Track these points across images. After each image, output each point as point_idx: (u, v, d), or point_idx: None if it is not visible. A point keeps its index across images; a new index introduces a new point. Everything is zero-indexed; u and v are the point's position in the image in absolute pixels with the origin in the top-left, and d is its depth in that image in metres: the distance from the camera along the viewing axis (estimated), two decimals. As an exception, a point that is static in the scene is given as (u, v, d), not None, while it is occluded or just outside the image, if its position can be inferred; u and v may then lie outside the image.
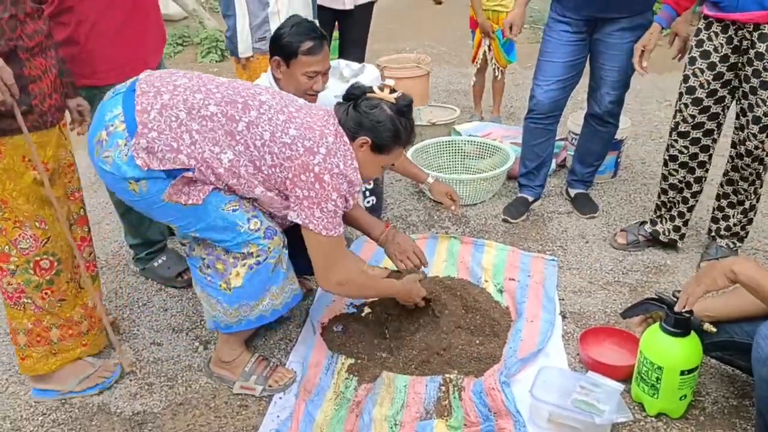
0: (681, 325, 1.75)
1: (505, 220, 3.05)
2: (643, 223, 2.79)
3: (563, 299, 2.45)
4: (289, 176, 1.79)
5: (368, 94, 1.93)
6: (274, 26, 2.77)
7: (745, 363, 1.74)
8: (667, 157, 2.60)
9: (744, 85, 2.31)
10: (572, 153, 3.48)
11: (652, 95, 4.76)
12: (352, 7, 3.43)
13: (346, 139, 1.87)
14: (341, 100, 1.97)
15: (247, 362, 2.05)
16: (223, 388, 2.06)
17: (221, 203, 1.79)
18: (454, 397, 1.92)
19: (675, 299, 1.77)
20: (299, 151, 1.78)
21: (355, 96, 1.93)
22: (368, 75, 3.23)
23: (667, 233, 2.70)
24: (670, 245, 2.73)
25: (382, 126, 1.89)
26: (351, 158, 1.87)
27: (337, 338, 2.22)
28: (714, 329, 1.74)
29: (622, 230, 2.83)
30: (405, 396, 1.93)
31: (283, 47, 2.30)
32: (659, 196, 2.71)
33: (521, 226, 3.02)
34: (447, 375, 2.00)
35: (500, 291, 2.47)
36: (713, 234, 2.66)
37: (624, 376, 1.97)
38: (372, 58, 4.68)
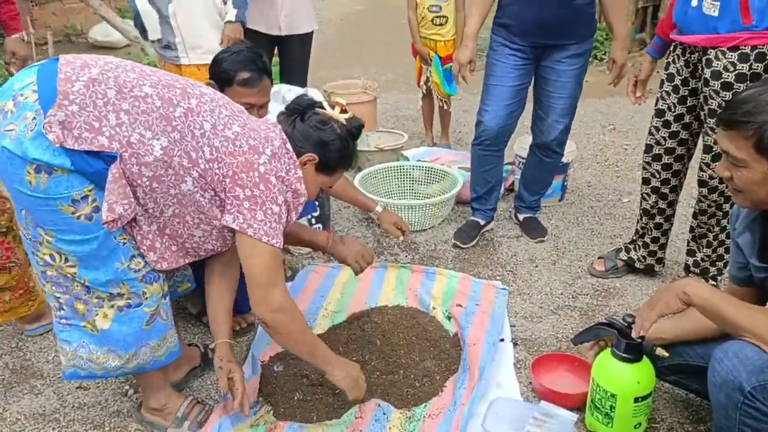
0: (632, 350, 1.70)
1: (455, 245, 2.98)
2: (619, 249, 2.73)
3: (514, 325, 2.40)
4: (229, 174, 1.60)
5: (317, 110, 1.80)
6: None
7: (699, 386, 1.71)
8: (641, 179, 2.56)
9: (701, 112, 2.26)
10: (519, 178, 3.48)
11: (595, 119, 4.84)
12: (284, 33, 3.38)
13: (289, 146, 1.71)
14: (285, 111, 1.82)
15: (179, 407, 1.90)
16: (155, 434, 1.90)
17: (115, 231, 1.58)
18: None
19: (625, 323, 1.72)
20: (243, 148, 1.61)
21: (301, 108, 1.79)
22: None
23: (642, 260, 2.64)
24: (647, 271, 2.67)
25: (332, 145, 1.76)
26: (295, 168, 1.71)
27: (274, 380, 2.07)
28: (666, 354, 1.70)
29: (599, 257, 2.76)
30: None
31: (219, 73, 2.20)
32: (637, 222, 2.65)
33: (471, 251, 2.97)
34: (399, 414, 1.88)
35: (448, 318, 2.40)
36: (684, 267, 2.59)
37: (578, 404, 1.91)
38: (318, 84, 4.62)
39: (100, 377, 1.77)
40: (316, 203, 2.87)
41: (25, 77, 1.51)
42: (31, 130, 1.45)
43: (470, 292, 2.59)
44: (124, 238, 1.61)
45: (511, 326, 2.39)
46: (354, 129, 1.81)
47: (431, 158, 3.66)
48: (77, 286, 1.61)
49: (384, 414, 1.91)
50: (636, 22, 7.22)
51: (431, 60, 3.86)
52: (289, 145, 1.71)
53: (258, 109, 2.24)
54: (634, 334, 1.66)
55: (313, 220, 2.95)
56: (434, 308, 2.47)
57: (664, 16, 2.40)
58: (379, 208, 2.70)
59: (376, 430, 1.85)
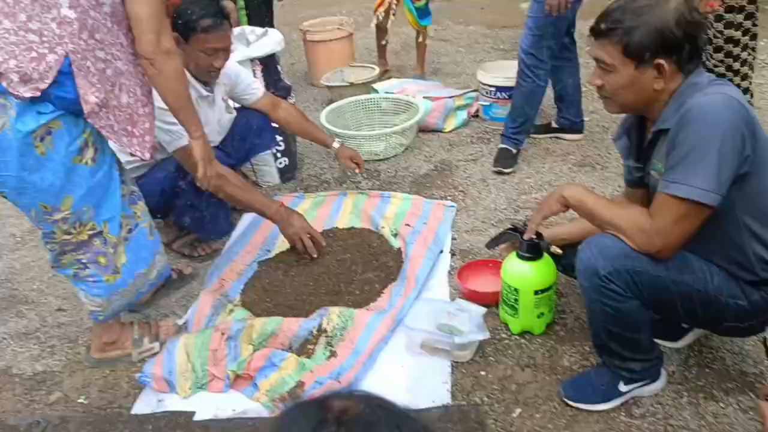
0: (531, 249, 1.87)
1: (499, 172, 3.04)
2: None
3: (455, 238, 2.57)
4: None
5: None
6: None
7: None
8: None
9: None
10: (485, 103, 3.58)
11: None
12: None
13: None
14: None
15: (133, 331, 2.11)
16: (122, 344, 2.15)
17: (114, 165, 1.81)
18: (324, 347, 1.97)
19: (526, 227, 1.89)
20: None
21: None
22: (272, 38, 3.29)
23: None
24: None
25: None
26: None
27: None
28: (559, 251, 1.87)
29: None
30: (276, 327, 2.03)
31: (181, 23, 2.30)
32: None
33: (429, 175, 3.12)
34: (326, 323, 2.04)
35: (395, 235, 2.58)
36: None
37: (495, 301, 2.10)
38: (297, 24, 4.72)
39: (134, 300, 2.03)
40: (277, 136, 3.04)
41: None
42: (13, 108, 1.61)
43: (421, 211, 2.76)
44: (118, 170, 1.84)
45: (452, 239, 2.57)
46: None
47: (399, 90, 3.78)
48: (96, 241, 1.82)
49: (326, 310, 2.11)
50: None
51: None
52: None
53: (223, 52, 2.37)
54: (525, 237, 1.83)
55: (279, 154, 3.13)
56: (383, 227, 2.65)
57: None
58: (336, 145, 2.85)
59: (314, 322, 2.05)
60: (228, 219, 2.74)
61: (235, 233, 2.75)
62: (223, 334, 2.01)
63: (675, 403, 1.73)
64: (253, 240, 2.65)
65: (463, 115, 3.60)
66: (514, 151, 3.10)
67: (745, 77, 2.60)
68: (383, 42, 4.34)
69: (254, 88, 2.71)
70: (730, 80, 2.57)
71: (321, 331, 2.02)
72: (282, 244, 2.62)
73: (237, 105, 2.76)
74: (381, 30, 4.25)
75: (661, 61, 1.50)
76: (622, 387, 1.72)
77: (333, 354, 1.95)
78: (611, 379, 1.73)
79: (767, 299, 1.57)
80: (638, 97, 1.58)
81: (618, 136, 1.78)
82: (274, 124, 2.86)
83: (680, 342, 1.92)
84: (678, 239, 1.51)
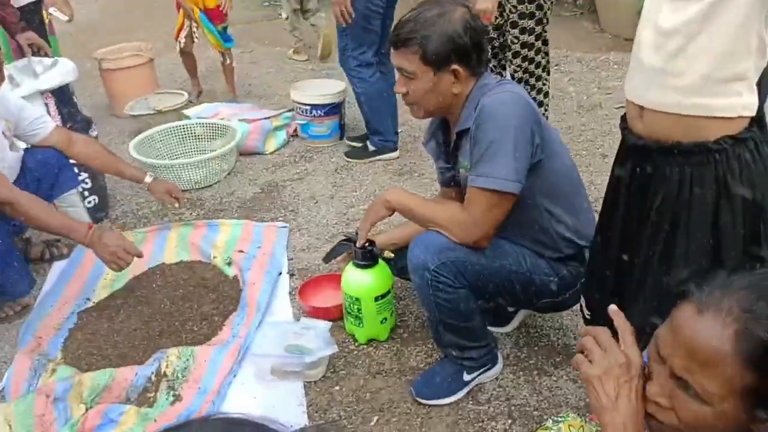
0: (366, 257, 1.93)
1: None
2: None
3: (292, 258, 2.56)
4: None
5: None
6: None
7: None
8: None
9: None
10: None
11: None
12: None
13: None
14: None
15: None
16: None
17: None
18: (166, 392, 1.86)
19: (358, 236, 1.94)
20: None
21: None
22: (62, 68, 3.04)
23: None
24: None
25: None
26: None
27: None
28: (392, 255, 1.95)
29: None
30: (108, 380, 1.87)
31: None
32: None
33: (256, 199, 3.07)
34: (164, 366, 1.93)
35: (228, 263, 2.50)
36: None
37: (339, 314, 2.12)
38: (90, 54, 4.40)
39: None
40: (82, 173, 2.79)
41: None
42: None
43: (252, 236, 2.70)
44: None
45: (289, 260, 2.55)
46: None
47: (212, 114, 3.67)
48: None
49: (163, 353, 1.99)
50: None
51: (196, 15, 3.82)
52: None
53: None
54: (357, 245, 1.88)
55: (86, 193, 2.87)
56: (215, 257, 2.55)
57: None
58: (148, 179, 2.64)
59: (151, 367, 1.92)
60: (27, 272, 2.41)
61: (46, 286, 2.47)
62: (48, 396, 1.80)
63: (514, 383, 1.88)
64: (68, 290, 2.41)
65: (282, 135, 3.59)
66: (372, 148, 3.31)
67: (539, 78, 2.91)
68: (197, 67, 4.24)
69: (42, 122, 2.46)
70: (527, 82, 2.86)
71: (160, 375, 1.90)
72: (103, 290, 2.41)
73: (26, 145, 2.49)
74: (187, 56, 4.12)
75: (457, 66, 1.64)
76: (466, 376, 1.83)
77: (177, 398, 1.84)
78: (455, 371, 1.83)
79: (573, 273, 1.77)
80: (440, 101, 1.70)
81: (426, 140, 1.90)
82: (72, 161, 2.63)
83: (508, 326, 2.09)
84: (491, 227, 1.65)
